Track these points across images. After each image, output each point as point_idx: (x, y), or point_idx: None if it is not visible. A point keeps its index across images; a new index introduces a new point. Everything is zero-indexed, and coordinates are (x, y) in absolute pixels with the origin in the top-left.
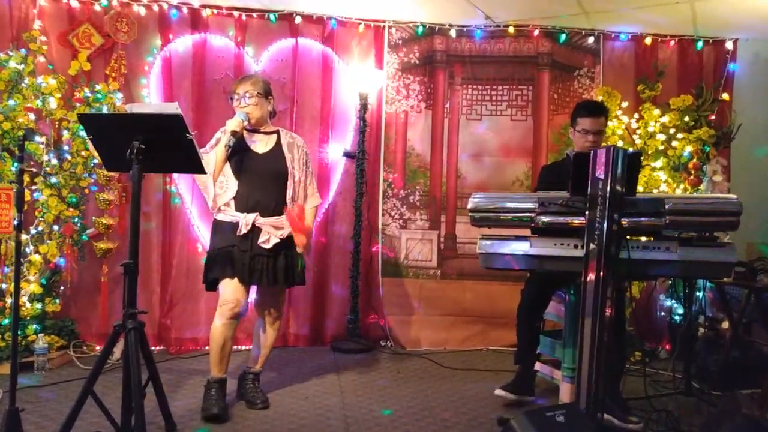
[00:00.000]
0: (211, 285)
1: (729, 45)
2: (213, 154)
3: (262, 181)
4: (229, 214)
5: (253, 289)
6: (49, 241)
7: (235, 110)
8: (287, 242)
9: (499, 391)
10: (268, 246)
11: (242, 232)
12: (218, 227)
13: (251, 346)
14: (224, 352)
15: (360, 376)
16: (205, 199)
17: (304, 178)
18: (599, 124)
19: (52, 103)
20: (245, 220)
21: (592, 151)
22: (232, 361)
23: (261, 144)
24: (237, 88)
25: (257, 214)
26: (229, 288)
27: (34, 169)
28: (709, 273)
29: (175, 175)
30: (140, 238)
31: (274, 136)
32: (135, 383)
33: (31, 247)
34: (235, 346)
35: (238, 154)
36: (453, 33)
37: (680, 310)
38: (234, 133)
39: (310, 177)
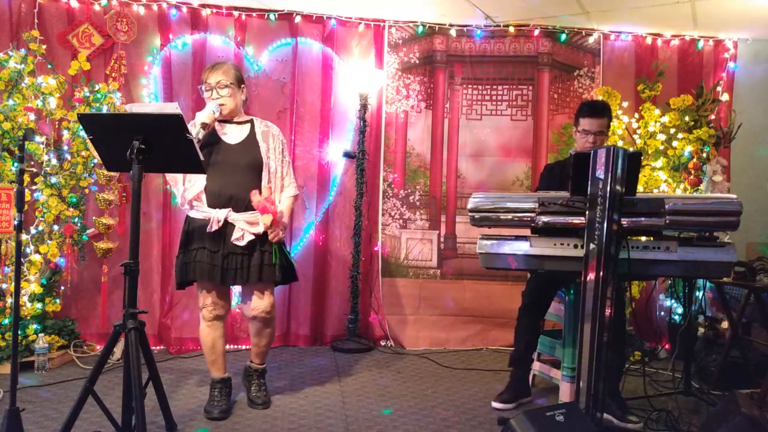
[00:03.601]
0: (182, 285)
1: (729, 45)
2: None
3: (236, 173)
4: (201, 211)
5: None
6: (50, 241)
7: (206, 101)
8: (263, 238)
9: (496, 404)
10: (242, 243)
11: (213, 229)
12: (190, 225)
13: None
14: (216, 353)
15: (360, 376)
16: None
17: (281, 167)
18: (600, 125)
19: (52, 103)
20: (216, 217)
21: (592, 151)
22: (236, 359)
23: (234, 135)
24: (207, 78)
25: (230, 209)
26: (205, 290)
27: (34, 169)
28: (708, 273)
29: None
30: (140, 238)
31: (248, 125)
32: (135, 383)
33: (32, 247)
34: (235, 345)
35: (209, 146)
36: (453, 33)
37: (680, 310)
38: (204, 126)
39: (287, 167)
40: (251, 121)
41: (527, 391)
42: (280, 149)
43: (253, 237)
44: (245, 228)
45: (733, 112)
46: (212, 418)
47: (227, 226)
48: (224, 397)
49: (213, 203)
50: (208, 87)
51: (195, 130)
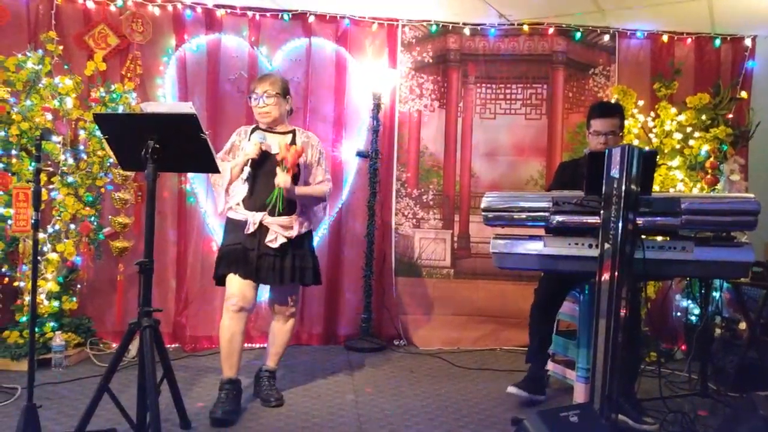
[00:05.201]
0: (221, 280)
1: (747, 42)
2: (228, 166)
3: (272, 182)
4: (240, 213)
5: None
6: (66, 240)
7: (253, 110)
8: (296, 242)
9: (511, 389)
10: (275, 245)
11: (249, 231)
12: (229, 224)
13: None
14: (232, 347)
15: (373, 375)
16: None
17: (315, 168)
18: (611, 125)
19: (69, 103)
20: (252, 219)
21: (606, 150)
22: (249, 358)
23: (275, 145)
24: (255, 88)
25: (265, 213)
26: (235, 283)
27: (51, 169)
28: (725, 273)
29: (189, 174)
30: (155, 236)
31: (290, 136)
32: (150, 381)
33: (49, 246)
34: (249, 344)
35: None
36: (467, 31)
37: (696, 311)
38: (252, 161)
39: (323, 165)
40: (293, 132)
41: (542, 389)
42: (317, 158)
43: (285, 240)
44: (278, 231)
45: (751, 110)
46: (216, 419)
47: (262, 229)
48: (230, 399)
49: (249, 207)
50: (256, 96)
51: (242, 158)
